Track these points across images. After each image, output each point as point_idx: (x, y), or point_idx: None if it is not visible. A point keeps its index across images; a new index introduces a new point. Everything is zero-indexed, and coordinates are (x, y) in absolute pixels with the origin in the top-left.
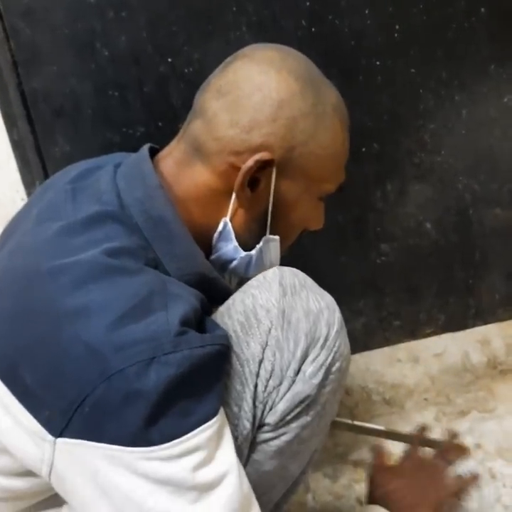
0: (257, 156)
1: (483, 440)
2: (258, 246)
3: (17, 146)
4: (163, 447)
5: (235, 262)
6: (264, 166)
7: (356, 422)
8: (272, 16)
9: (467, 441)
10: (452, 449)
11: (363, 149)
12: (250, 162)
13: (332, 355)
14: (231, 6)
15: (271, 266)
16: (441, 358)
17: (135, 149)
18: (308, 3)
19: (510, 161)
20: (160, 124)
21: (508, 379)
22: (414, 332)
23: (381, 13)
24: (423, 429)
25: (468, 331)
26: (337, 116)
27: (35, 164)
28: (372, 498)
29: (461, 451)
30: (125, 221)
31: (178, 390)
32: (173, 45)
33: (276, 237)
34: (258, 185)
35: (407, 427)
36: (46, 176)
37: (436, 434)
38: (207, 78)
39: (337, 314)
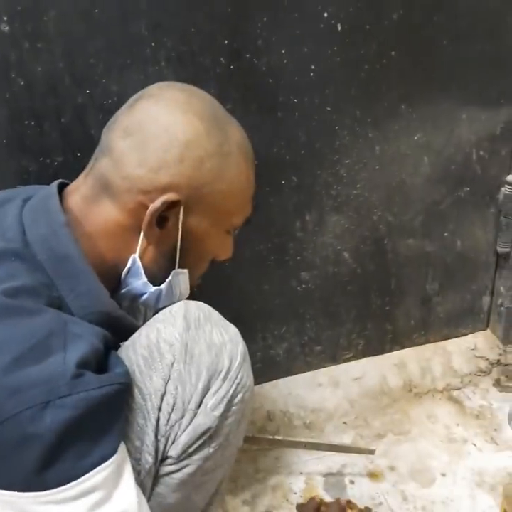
0: (164, 197)
1: (397, 463)
2: (167, 280)
3: None
4: (59, 490)
5: (144, 296)
6: (171, 205)
7: (276, 437)
8: (190, 52)
9: (382, 463)
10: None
11: (282, 182)
12: (157, 203)
13: (234, 387)
14: (150, 40)
15: (181, 297)
16: (360, 382)
17: (53, 178)
18: (226, 41)
19: (421, 195)
20: (78, 154)
21: (423, 401)
22: (334, 357)
23: (297, 53)
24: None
25: (385, 355)
26: (242, 155)
27: None
28: None
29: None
30: (29, 259)
31: (73, 433)
32: (91, 76)
33: (185, 271)
34: (166, 223)
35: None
36: None
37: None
38: (114, 114)
39: (240, 347)
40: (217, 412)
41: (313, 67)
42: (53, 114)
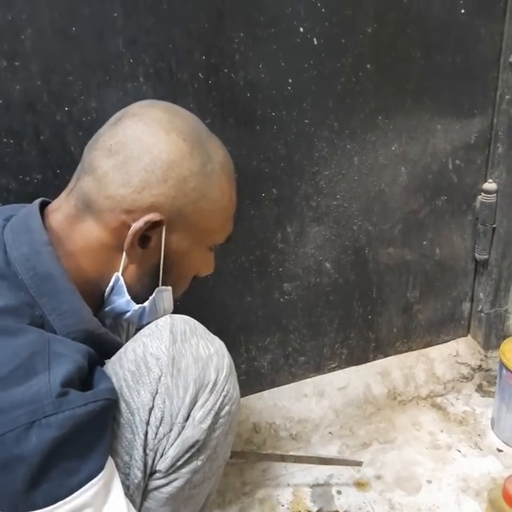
0: (147, 217)
1: (383, 471)
2: (151, 297)
3: None
4: (47, 510)
5: (128, 314)
6: (154, 225)
7: (263, 451)
8: (168, 68)
9: (368, 472)
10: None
11: (263, 194)
12: (140, 223)
13: (221, 399)
14: (128, 57)
15: (164, 313)
16: (345, 392)
17: (32, 196)
18: (203, 57)
19: (399, 204)
20: (58, 171)
21: (407, 409)
22: (319, 367)
23: (274, 67)
24: None
25: (369, 363)
26: (225, 173)
27: None
28: None
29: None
30: (10, 278)
31: (60, 452)
32: (70, 93)
33: (169, 288)
34: (149, 242)
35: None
36: None
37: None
38: (96, 132)
39: (226, 359)
40: (205, 425)
41: (290, 80)
42: (32, 132)
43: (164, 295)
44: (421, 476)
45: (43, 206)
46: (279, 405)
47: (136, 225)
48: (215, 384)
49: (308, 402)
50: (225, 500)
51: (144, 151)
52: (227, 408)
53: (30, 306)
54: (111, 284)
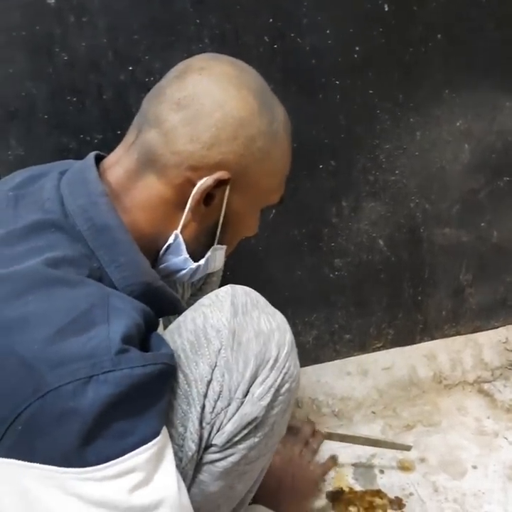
0: (217, 175)
1: (428, 454)
2: (206, 256)
3: None
4: (98, 468)
5: (182, 272)
6: (220, 183)
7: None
8: (234, 30)
9: (412, 454)
10: (312, 436)
11: (320, 166)
12: (210, 180)
13: (281, 376)
14: (194, 17)
15: (214, 270)
16: (389, 372)
17: None
18: (271, 20)
19: (459, 183)
20: (118, 132)
21: (453, 393)
22: (363, 346)
23: (342, 33)
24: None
25: (415, 345)
26: (286, 133)
27: None
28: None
29: (319, 437)
30: (68, 229)
31: (116, 410)
32: (134, 53)
33: (223, 246)
34: (212, 200)
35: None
36: None
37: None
38: (156, 85)
39: (288, 335)
40: (264, 402)
41: (357, 48)
42: (95, 91)
43: (218, 254)
44: (466, 461)
45: (98, 160)
46: (322, 381)
47: (206, 183)
48: (276, 360)
49: (352, 380)
50: None
51: (215, 106)
52: (287, 385)
53: (88, 257)
54: (169, 241)
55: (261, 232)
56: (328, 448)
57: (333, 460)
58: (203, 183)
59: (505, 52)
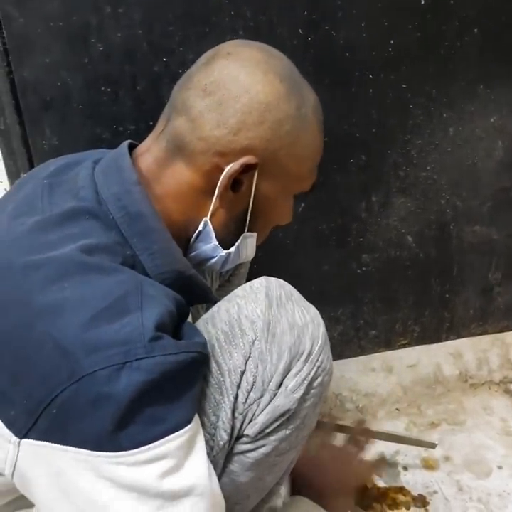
0: (243, 160)
1: (452, 453)
2: (236, 243)
3: (3, 135)
4: (131, 453)
5: (213, 260)
6: (247, 168)
7: (339, 422)
8: (269, 22)
9: (437, 452)
10: (361, 435)
11: (351, 160)
12: (236, 165)
13: (315, 369)
14: (229, 9)
15: (246, 260)
16: (414, 369)
17: None
18: (305, 12)
19: (491, 180)
20: (151, 123)
21: (478, 393)
22: (389, 342)
23: (377, 26)
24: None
25: (441, 343)
26: (316, 118)
27: (21, 155)
28: (294, 489)
29: (369, 435)
30: (102, 217)
31: (148, 397)
32: (169, 44)
33: (254, 234)
34: (241, 186)
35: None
36: (31, 167)
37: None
38: (186, 72)
39: (322, 328)
40: (297, 395)
41: (391, 42)
42: (129, 82)
43: (249, 242)
44: (491, 461)
45: (131, 149)
46: (346, 377)
47: (232, 167)
48: (310, 353)
49: (376, 376)
50: None
51: (241, 91)
52: (320, 379)
53: (121, 245)
54: (199, 228)
55: (289, 224)
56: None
57: (383, 460)
58: (230, 168)
59: None
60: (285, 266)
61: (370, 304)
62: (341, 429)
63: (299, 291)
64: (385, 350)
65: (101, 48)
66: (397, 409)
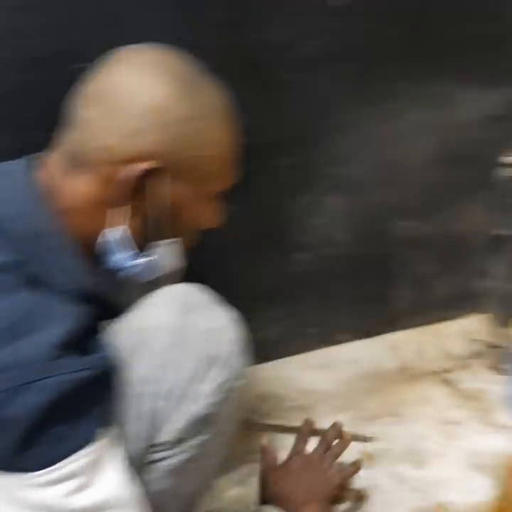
0: (141, 166)
1: (392, 444)
2: (150, 252)
3: None
4: (38, 474)
5: (128, 270)
6: (149, 174)
7: (272, 422)
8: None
9: (377, 446)
10: (336, 440)
11: (278, 161)
12: (134, 172)
13: (230, 374)
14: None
15: (169, 269)
16: (354, 364)
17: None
18: (225, 14)
19: (418, 176)
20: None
21: (416, 384)
22: (327, 339)
23: (297, 27)
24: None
25: (380, 337)
26: (222, 116)
27: None
28: (264, 498)
29: (344, 441)
30: (2, 236)
31: (50, 417)
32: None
33: (170, 241)
34: (144, 192)
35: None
36: None
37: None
38: (78, 83)
39: (237, 333)
40: (213, 400)
41: (313, 42)
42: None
43: (167, 249)
44: (430, 450)
45: (29, 162)
46: (285, 376)
47: (131, 174)
48: (224, 358)
49: (316, 373)
50: (229, 468)
51: (133, 96)
52: (235, 383)
53: (24, 264)
54: (108, 239)
55: (221, 227)
56: (292, 441)
57: (357, 465)
58: (129, 175)
59: (461, 45)
60: (219, 268)
61: (306, 302)
62: (286, 429)
63: (233, 292)
64: (324, 346)
65: None
66: (338, 405)
